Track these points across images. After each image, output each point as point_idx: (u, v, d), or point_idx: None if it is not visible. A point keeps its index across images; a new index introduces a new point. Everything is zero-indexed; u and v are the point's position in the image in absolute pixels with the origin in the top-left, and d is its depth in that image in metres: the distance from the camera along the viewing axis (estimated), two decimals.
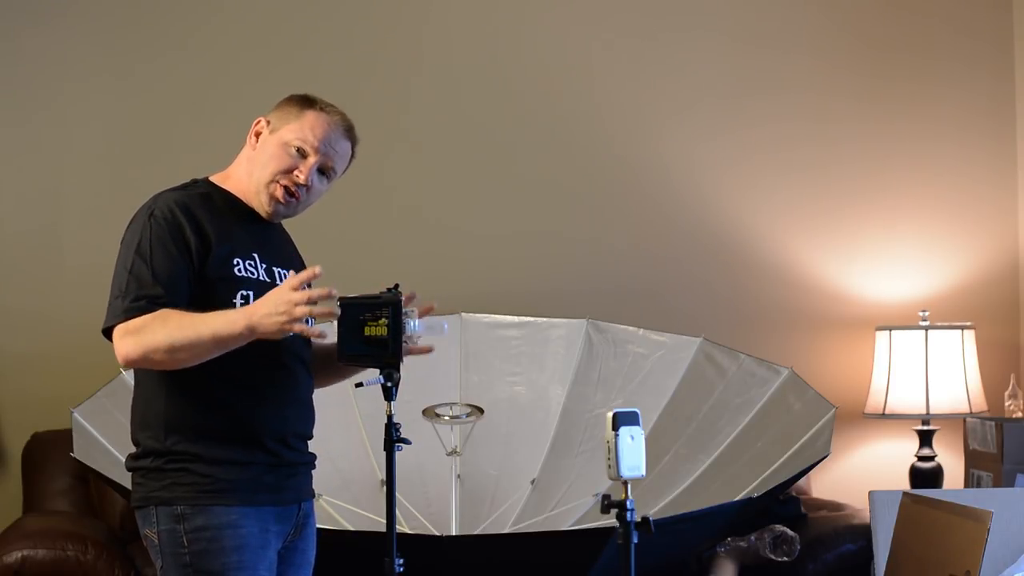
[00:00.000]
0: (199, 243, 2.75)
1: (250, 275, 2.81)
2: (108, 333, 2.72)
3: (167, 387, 2.75)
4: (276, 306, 2.62)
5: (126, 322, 2.67)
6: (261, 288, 2.80)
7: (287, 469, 2.85)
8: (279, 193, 2.85)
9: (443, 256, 5.20)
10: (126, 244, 2.78)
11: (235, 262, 2.80)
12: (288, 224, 3.05)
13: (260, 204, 2.87)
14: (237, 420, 2.75)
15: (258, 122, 2.90)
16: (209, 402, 2.74)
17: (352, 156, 2.95)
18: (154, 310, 2.66)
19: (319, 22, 5.21)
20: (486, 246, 5.25)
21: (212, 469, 2.74)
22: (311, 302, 2.61)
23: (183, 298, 2.71)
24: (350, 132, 2.92)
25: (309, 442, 2.97)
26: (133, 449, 2.84)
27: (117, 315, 2.69)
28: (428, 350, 2.90)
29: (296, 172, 2.84)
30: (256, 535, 2.76)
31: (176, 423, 2.75)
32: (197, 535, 2.72)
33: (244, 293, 2.78)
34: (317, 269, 2.68)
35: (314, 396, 3.00)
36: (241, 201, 2.88)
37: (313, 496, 2.98)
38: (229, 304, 2.76)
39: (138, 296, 2.68)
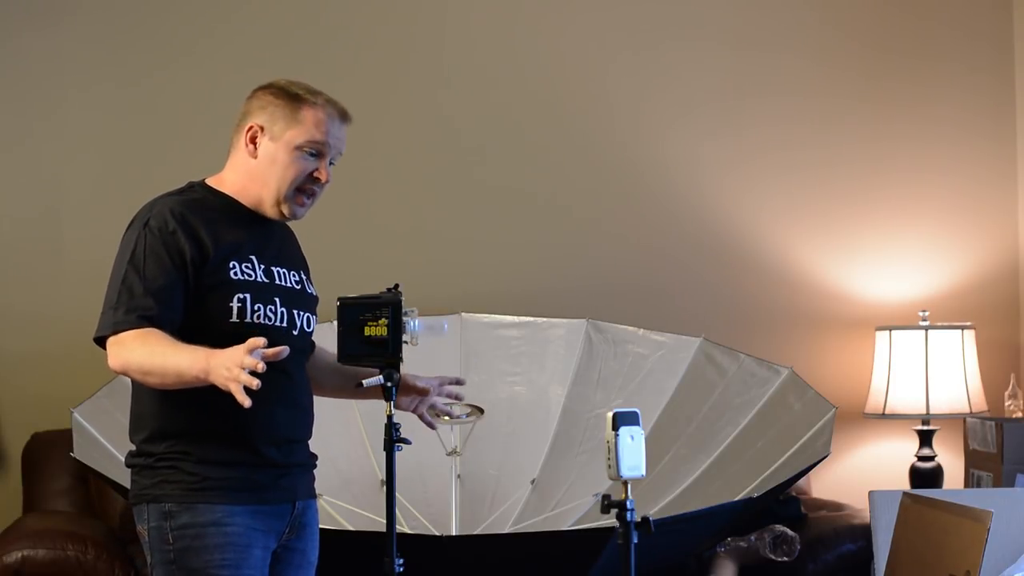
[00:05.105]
0: (195, 250, 2.75)
1: (247, 277, 2.81)
2: (100, 341, 2.76)
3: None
4: (231, 363, 2.58)
5: (115, 335, 2.71)
6: (259, 289, 2.81)
7: (278, 470, 2.84)
8: (301, 199, 2.87)
9: (444, 256, 5.20)
10: (121, 252, 2.80)
11: (231, 266, 2.79)
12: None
13: (278, 213, 2.87)
14: (228, 421, 2.74)
15: (251, 128, 2.86)
16: (202, 402, 2.73)
17: None
18: (143, 325, 2.69)
19: (319, 28, 5.21)
20: (486, 246, 5.25)
21: (200, 468, 2.75)
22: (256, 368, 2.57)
23: (176, 310, 2.73)
24: (346, 116, 2.92)
25: (309, 443, 2.96)
26: (132, 447, 2.86)
27: (107, 328, 2.73)
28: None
29: (316, 174, 2.86)
30: (241, 534, 2.76)
31: (169, 422, 2.77)
32: (182, 532, 2.74)
33: (241, 296, 2.78)
34: (261, 341, 2.60)
35: (315, 397, 2.99)
36: (239, 203, 2.87)
37: (313, 496, 2.97)
38: (226, 308, 2.77)
39: (129, 309, 2.71)
